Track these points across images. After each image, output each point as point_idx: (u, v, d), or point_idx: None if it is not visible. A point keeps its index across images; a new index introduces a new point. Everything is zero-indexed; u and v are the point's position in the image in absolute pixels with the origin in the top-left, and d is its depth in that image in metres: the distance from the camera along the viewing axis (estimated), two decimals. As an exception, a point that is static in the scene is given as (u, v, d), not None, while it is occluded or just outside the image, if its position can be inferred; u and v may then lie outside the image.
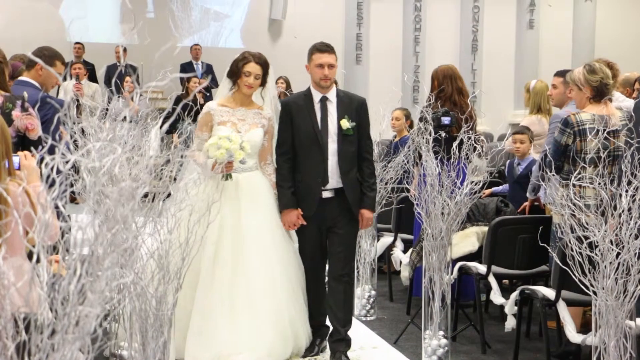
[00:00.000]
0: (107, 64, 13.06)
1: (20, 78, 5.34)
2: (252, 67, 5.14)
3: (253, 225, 5.07)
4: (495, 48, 16.18)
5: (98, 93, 12.04)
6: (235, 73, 5.18)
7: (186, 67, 13.82)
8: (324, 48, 5.13)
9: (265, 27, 15.55)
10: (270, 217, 5.16)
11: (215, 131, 5.11)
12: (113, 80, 2.85)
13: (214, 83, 13.03)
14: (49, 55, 5.37)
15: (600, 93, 5.18)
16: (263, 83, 5.25)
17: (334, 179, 5.09)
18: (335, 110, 5.12)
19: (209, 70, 13.80)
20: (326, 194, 5.10)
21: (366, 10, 15.73)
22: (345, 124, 5.06)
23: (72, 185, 2.69)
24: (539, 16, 16.27)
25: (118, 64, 13.32)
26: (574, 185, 3.69)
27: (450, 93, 6.38)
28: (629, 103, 6.03)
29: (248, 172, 5.18)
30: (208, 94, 12.72)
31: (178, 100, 10.08)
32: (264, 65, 5.20)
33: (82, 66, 12.21)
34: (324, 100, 5.13)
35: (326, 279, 5.26)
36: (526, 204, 6.24)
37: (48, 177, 2.03)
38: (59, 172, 2.07)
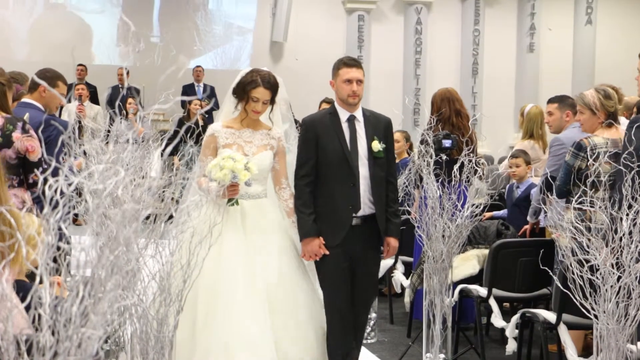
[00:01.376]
0: (110, 86, 13.14)
1: (23, 100, 5.37)
2: (261, 93, 4.73)
3: (259, 260, 4.59)
4: (495, 71, 16.25)
5: (100, 115, 12.10)
6: (241, 96, 4.78)
7: (187, 89, 13.88)
8: (352, 62, 4.77)
9: (266, 48, 15.61)
10: (279, 249, 4.69)
11: (220, 154, 4.66)
12: (117, 103, 2.86)
13: (216, 105, 13.09)
14: (51, 77, 5.38)
15: (613, 118, 5.20)
16: (271, 103, 4.84)
17: (366, 205, 4.71)
18: (363, 130, 4.76)
19: (211, 92, 13.84)
20: (355, 221, 4.70)
21: (367, 32, 15.81)
22: (377, 145, 4.71)
23: (74, 207, 2.70)
24: (539, 40, 16.35)
25: (120, 85, 13.39)
26: (582, 209, 3.70)
27: (448, 115, 6.39)
28: (634, 128, 6.06)
29: (255, 199, 4.75)
30: (207, 116, 12.74)
31: (180, 123, 10.14)
32: (273, 88, 4.79)
33: (85, 87, 12.29)
34: (352, 120, 4.76)
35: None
36: (527, 227, 6.24)
37: (52, 199, 2.04)
38: (62, 194, 2.08)
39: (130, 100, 11.53)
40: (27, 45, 14.74)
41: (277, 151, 4.86)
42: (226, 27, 15.65)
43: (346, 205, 4.67)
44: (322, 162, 4.70)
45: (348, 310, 4.73)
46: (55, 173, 2.15)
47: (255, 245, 4.62)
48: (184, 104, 12.23)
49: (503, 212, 7.10)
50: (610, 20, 16.63)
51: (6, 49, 14.58)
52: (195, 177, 4.62)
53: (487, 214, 6.76)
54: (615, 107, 5.23)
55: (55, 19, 14.87)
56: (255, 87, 4.73)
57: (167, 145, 2.65)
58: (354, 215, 4.68)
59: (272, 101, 4.83)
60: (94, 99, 13.37)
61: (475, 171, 5.08)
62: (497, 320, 5.47)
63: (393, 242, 4.86)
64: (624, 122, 6.13)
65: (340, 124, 4.74)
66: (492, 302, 5.53)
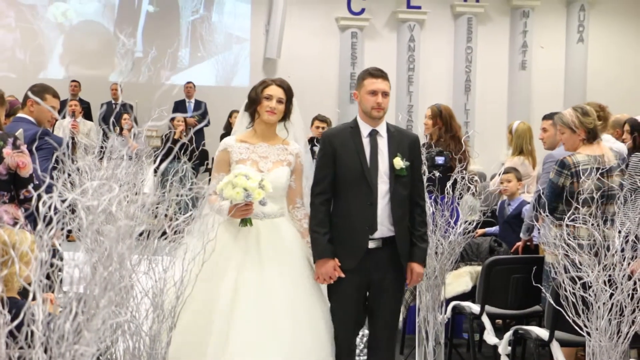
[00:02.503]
0: (102, 102, 13.13)
1: (17, 115, 5.40)
2: (274, 90, 4.45)
3: (275, 282, 4.26)
4: (488, 88, 16.30)
5: (93, 131, 12.10)
6: (254, 101, 4.47)
7: (178, 106, 13.85)
8: (378, 73, 4.41)
9: (259, 65, 15.64)
10: (295, 273, 4.35)
11: (234, 171, 4.32)
12: (111, 119, 2.87)
13: (208, 122, 13.05)
14: (38, 90, 5.39)
15: (593, 135, 5.25)
16: (287, 113, 4.53)
17: (384, 227, 4.33)
18: (386, 146, 4.40)
19: (200, 108, 13.76)
20: (373, 244, 4.32)
21: (360, 50, 15.84)
22: (399, 162, 4.34)
23: (68, 224, 2.69)
24: (531, 57, 16.42)
25: (113, 101, 13.39)
26: (567, 225, 3.72)
27: (456, 131, 6.45)
28: (619, 145, 6.10)
29: (271, 219, 4.41)
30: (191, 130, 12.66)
31: (167, 139, 10.17)
32: (287, 90, 4.51)
33: (78, 103, 12.29)
34: (374, 135, 4.41)
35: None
36: (519, 243, 6.25)
37: (45, 216, 2.04)
38: (55, 210, 2.08)
39: (125, 116, 11.53)
40: (59, 56, 14.85)
41: (294, 168, 4.54)
42: (225, 38, 15.74)
43: (362, 225, 4.32)
44: (339, 179, 4.38)
45: (352, 343, 4.42)
46: (48, 189, 2.15)
47: (270, 269, 4.28)
48: (172, 120, 12.23)
49: (495, 229, 7.11)
50: (602, 38, 16.70)
51: (41, 57, 14.76)
52: (207, 195, 4.28)
53: (480, 231, 6.77)
54: (594, 123, 5.28)
55: (86, 31, 14.94)
56: (267, 86, 4.48)
57: (161, 162, 2.65)
58: (370, 237, 4.33)
59: (287, 107, 4.54)
60: (88, 115, 13.37)
61: (469, 188, 5.09)
62: (489, 337, 5.47)
63: (417, 269, 4.45)
64: (608, 139, 6.18)
65: (361, 138, 4.41)
66: (485, 319, 5.53)
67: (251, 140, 4.50)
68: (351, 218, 4.33)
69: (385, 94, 4.39)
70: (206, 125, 12.79)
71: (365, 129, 4.43)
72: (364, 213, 4.31)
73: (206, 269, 3.65)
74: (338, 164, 4.37)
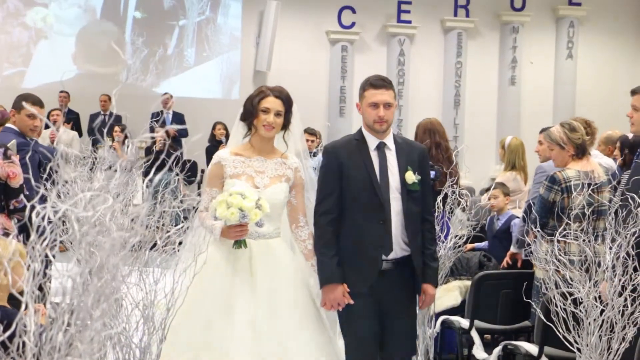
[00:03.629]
0: (91, 113, 13.13)
1: (6, 125, 5.40)
2: (272, 103, 4.11)
3: (268, 305, 3.99)
4: (477, 103, 16.36)
5: (75, 140, 12.07)
6: (250, 112, 4.13)
7: (155, 117, 13.75)
8: (380, 83, 4.05)
9: (250, 78, 15.65)
10: (289, 297, 4.05)
11: (227, 186, 4.05)
12: (105, 130, 2.87)
13: (184, 132, 13.00)
14: (18, 100, 5.43)
15: (582, 150, 5.28)
16: (286, 124, 4.19)
17: (399, 247, 4.04)
18: (395, 159, 4.09)
19: (179, 120, 13.64)
20: (386, 265, 4.02)
21: (350, 63, 15.88)
22: (411, 177, 4.03)
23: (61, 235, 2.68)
24: (521, 72, 16.50)
25: (102, 112, 13.37)
26: (558, 241, 3.72)
27: (429, 148, 6.35)
28: (607, 160, 6.13)
29: (266, 239, 4.12)
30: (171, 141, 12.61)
31: (148, 151, 10.16)
32: (286, 100, 4.16)
33: (60, 112, 12.26)
34: (381, 147, 4.09)
35: None
36: (507, 258, 6.24)
37: (39, 227, 2.03)
38: (49, 221, 2.07)
39: (116, 128, 11.50)
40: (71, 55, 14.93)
41: (294, 184, 4.22)
42: (221, 41, 15.77)
43: (375, 246, 4.00)
44: (346, 196, 4.03)
45: None
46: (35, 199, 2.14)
47: (262, 291, 4.00)
48: (152, 131, 12.17)
49: (485, 244, 7.11)
50: (591, 54, 16.81)
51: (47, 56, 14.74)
52: (198, 212, 4.12)
53: (469, 246, 6.77)
54: (582, 138, 5.31)
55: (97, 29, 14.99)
56: (264, 97, 4.13)
57: (154, 174, 2.63)
58: (384, 258, 4.02)
59: (287, 119, 4.20)
60: (77, 126, 13.35)
61: (459, 203, 5.10)
62: (478, 352, 5.46)
63: (430, 290, 4.19)
64: (596, 154, 6.21)
65: (369, 152, 4.09)
66: (474, 334, 5.53)
67: (247, 154, 4.19)
68: (361, 238, 4.02)
69: (387, 105, 4.04)
70: (183, 136, 12.84)
71: (372, 141, 4.12)
72: (376, 232, 4.00)
73: (197, 289, 3.62)
74: (345, 180, 4.05)
